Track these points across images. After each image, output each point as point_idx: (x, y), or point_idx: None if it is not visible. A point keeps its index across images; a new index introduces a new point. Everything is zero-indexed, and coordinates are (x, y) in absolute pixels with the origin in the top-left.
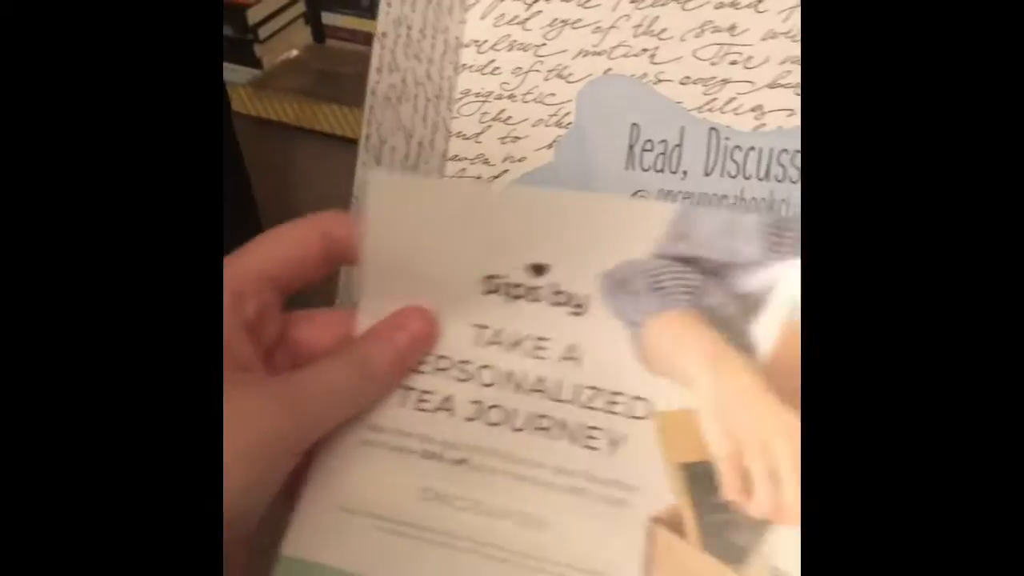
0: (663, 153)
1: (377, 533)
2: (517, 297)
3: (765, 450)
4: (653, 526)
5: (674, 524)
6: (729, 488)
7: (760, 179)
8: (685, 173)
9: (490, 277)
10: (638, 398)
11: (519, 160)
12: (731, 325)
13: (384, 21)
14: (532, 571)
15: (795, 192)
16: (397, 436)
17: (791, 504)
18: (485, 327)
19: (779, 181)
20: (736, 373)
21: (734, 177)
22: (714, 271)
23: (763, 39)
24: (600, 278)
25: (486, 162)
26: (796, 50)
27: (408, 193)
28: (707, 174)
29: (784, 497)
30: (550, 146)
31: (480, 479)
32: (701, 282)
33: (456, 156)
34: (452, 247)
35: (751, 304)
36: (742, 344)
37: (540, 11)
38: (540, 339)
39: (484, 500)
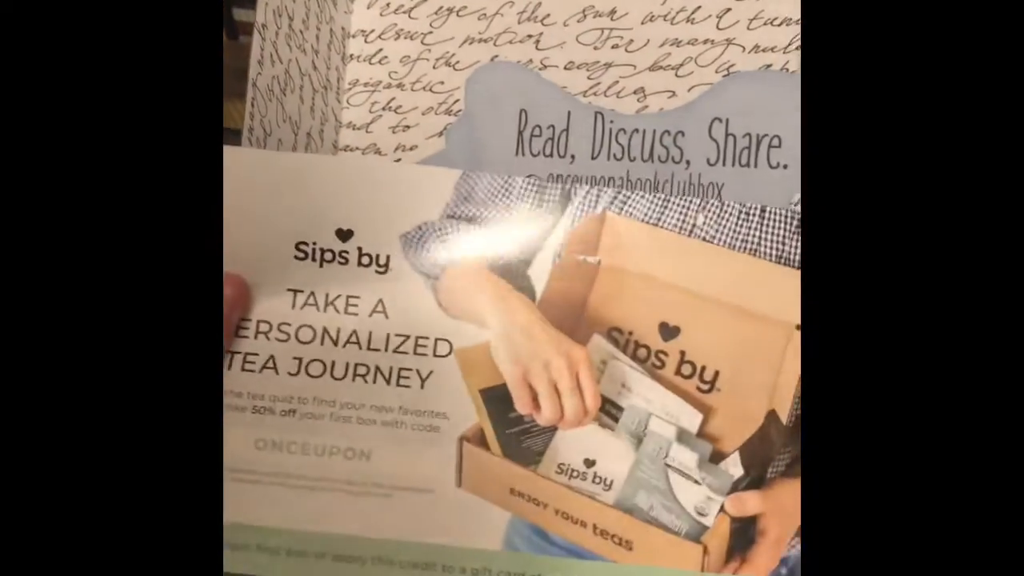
0: (551, 138)
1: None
2: (328, 261)
3: (546, 370)
4: (462, 443)
5: (479, 440)
6: (520, 404)
7: (644, 160)
8: (573, 157)
9: (301, 244)
10: (441, 339)
11: (411, 149)
12: (511, 271)
13: (263, 12)
14: (361, 495)
15: (679, 171)
16: (229, 396)
17: (570, 411)
18: (300, 291)
19: (662, 162)
20: (518, 311)
21: (620, 159)
22: (495, 226)
23: (642, 22)
24: (399, 239)
25: (378, 151)
26: (675, 32)
27: (250, 166)
28: (594, 157)
29: (565, 406)
30: (441, 134)
31: (308, 425)
32: (484, 236)
33: (348, 147)
34: (269, 217)
35: (526, 252)
36: (521, 286)
37: None
38: (351, 297)
39: (312, 441)
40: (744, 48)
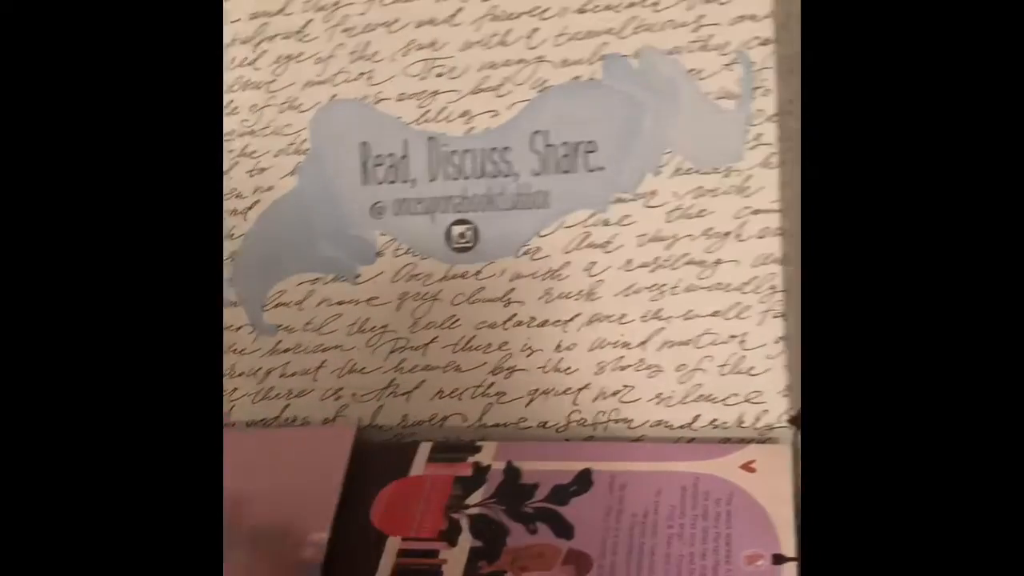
0: (392, 165)
1: None
2: None
3: None
4: None
5: None
6: None
7: (477, 177)
8: (414, 181)
9: None
10: None
11: (268, 189)
12: None
13: None
14: None
15: (508, 184)
16: None
17: None
18: None
19: (494, 177)
20: None
21: (456, 179)
22: None
23: (461, 50)
24: None
25: (239, 196)
26: (491, 55)
27: None
28: (432, 179)
29: None
30: (293, 172)
31: None
32: None
33: None
34: None
35: None
36: None
37: (266, 50)
38: None
39: None
40: (554, 63)
